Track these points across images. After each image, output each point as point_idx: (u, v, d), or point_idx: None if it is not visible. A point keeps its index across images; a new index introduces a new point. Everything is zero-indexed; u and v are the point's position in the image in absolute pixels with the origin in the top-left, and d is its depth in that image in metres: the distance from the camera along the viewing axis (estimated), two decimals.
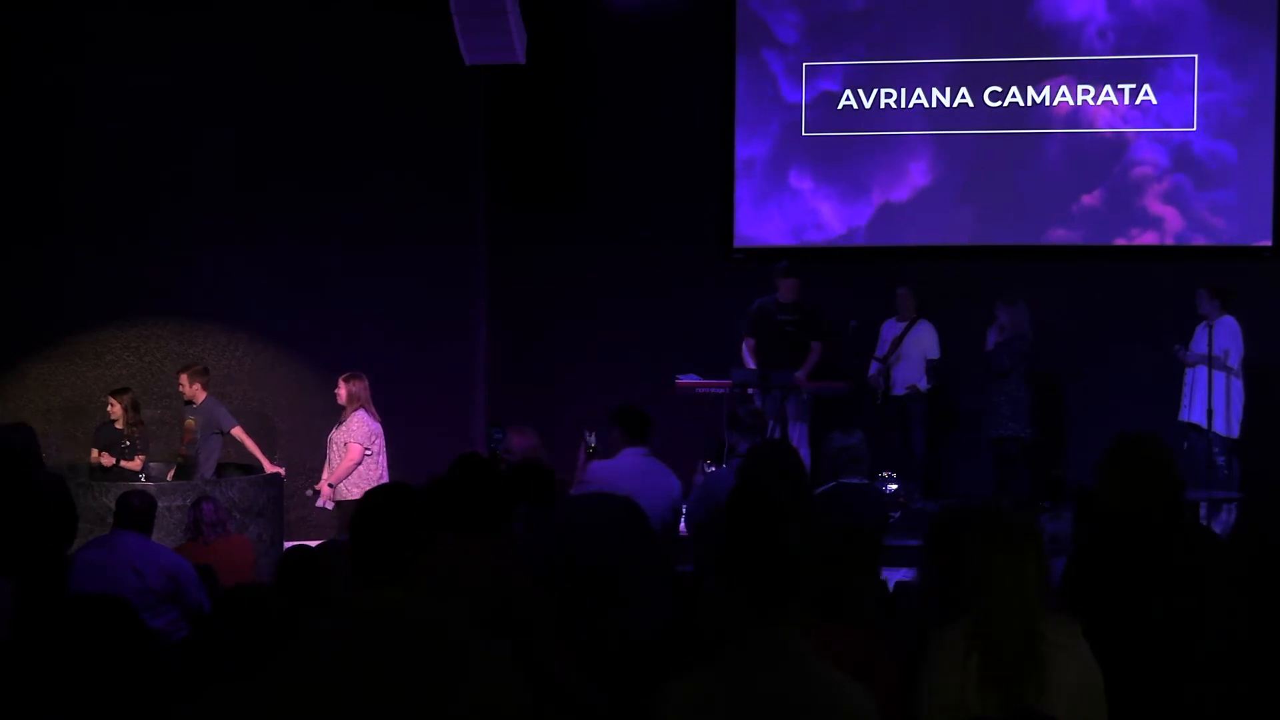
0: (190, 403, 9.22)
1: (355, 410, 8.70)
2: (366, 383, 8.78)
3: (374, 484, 8.55)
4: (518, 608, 3.65)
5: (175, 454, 9.34)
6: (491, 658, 2.81)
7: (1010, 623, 2.98)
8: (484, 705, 2.71)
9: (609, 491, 5.12)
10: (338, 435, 8.73)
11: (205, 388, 9.24)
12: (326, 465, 8.83)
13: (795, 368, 9.66)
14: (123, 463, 9.03)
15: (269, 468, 9.19)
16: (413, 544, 2.92)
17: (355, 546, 2.94)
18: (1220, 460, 9.21)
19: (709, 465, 8.50)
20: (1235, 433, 9.31)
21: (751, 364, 9.73)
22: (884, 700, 3.10)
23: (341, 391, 8.75)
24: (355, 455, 8.60)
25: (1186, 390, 9.48)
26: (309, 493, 9.01)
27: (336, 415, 8.88)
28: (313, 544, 5.23)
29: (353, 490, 8.59)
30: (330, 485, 8.63)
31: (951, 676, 2.99)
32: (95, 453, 9.22)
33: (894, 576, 5.85)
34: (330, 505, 8.68)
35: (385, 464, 8.79)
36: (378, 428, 8.75)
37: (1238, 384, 9.33)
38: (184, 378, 9.22)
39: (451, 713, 2.68)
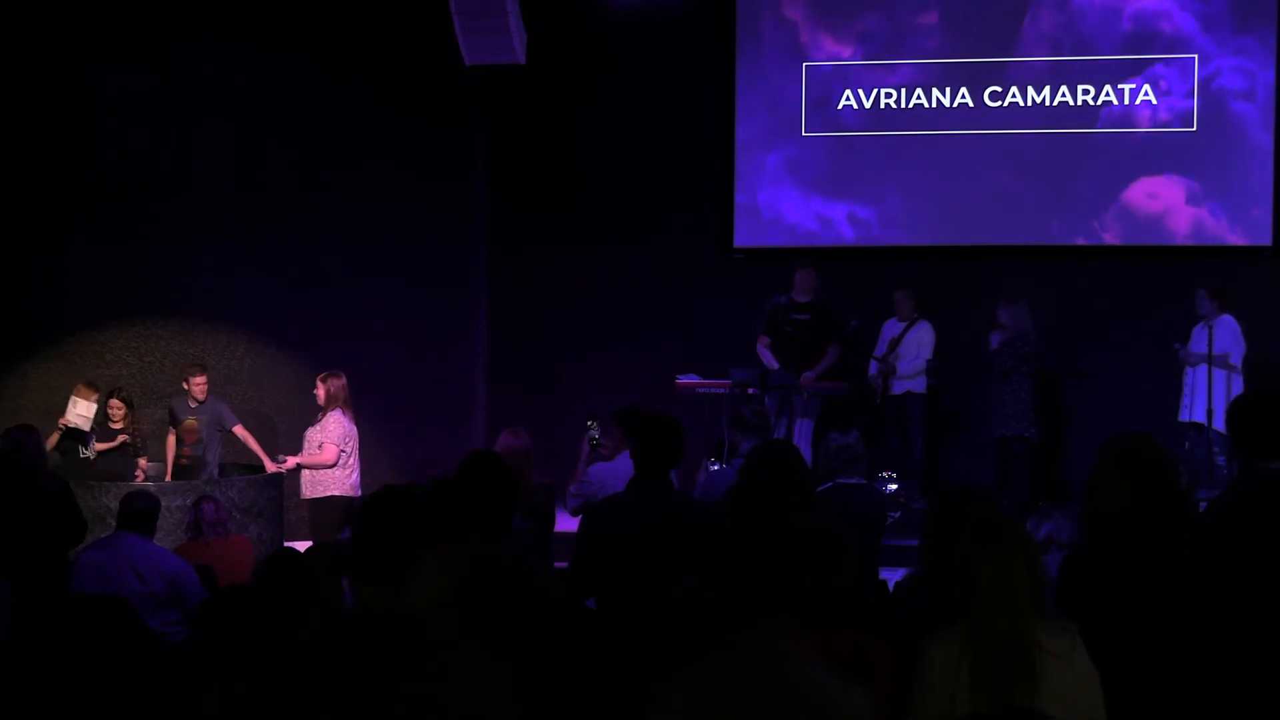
0: (194, 402, 9.25)
1: (332, 410, 8.63)
2: (345, 381, 8.70)
3: (346, 486, 8.57)
4: (543, 614, 3.59)
5: (180, 454, 9.35)
6: (492, 671, 2.81)
7: (1000, 629, 2.98)
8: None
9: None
10: (312, 434, 8.66)
11: (208, 385, 9.33)
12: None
13: (804, 368, 9.63)
14: (135, 474, 9.04)
15: (270, 466, 9.19)
16: (414, 547, 2.90)
17: (358, 549, 2.92)
18: (1220, 460, 9.20)
19: (713, 463, 8.49)
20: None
21: (773, 362, 9.71)
22: (882, 701, 3.10)
23: (320, 391, 8.68)
24: (330, 457, 8.52)
25: (1187, 391, 9.48)
26: (280, 458, 8.95)
27: None
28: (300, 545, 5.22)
29: (320, 490, 8.56)
30: (300, 465, 8.62)
31: (945, 681, 3.00)
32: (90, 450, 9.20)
33: (894, 577, 5.85)
34: (289, 464, 8.73)
35: (358, 465, 8.73)
36: (353, 430, 8.67)
37: (1239, 383, 9.32)
38: (205, 378, 9.28)
39: None
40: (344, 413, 8.64)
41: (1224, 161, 10.34)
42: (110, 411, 9.25)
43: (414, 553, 2.90)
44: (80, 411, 9.07)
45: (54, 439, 9.01)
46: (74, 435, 9.09)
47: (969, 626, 3.02)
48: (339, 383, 8.67)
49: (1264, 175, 10.27)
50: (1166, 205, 10.44)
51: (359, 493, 8.77)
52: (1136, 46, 10.43)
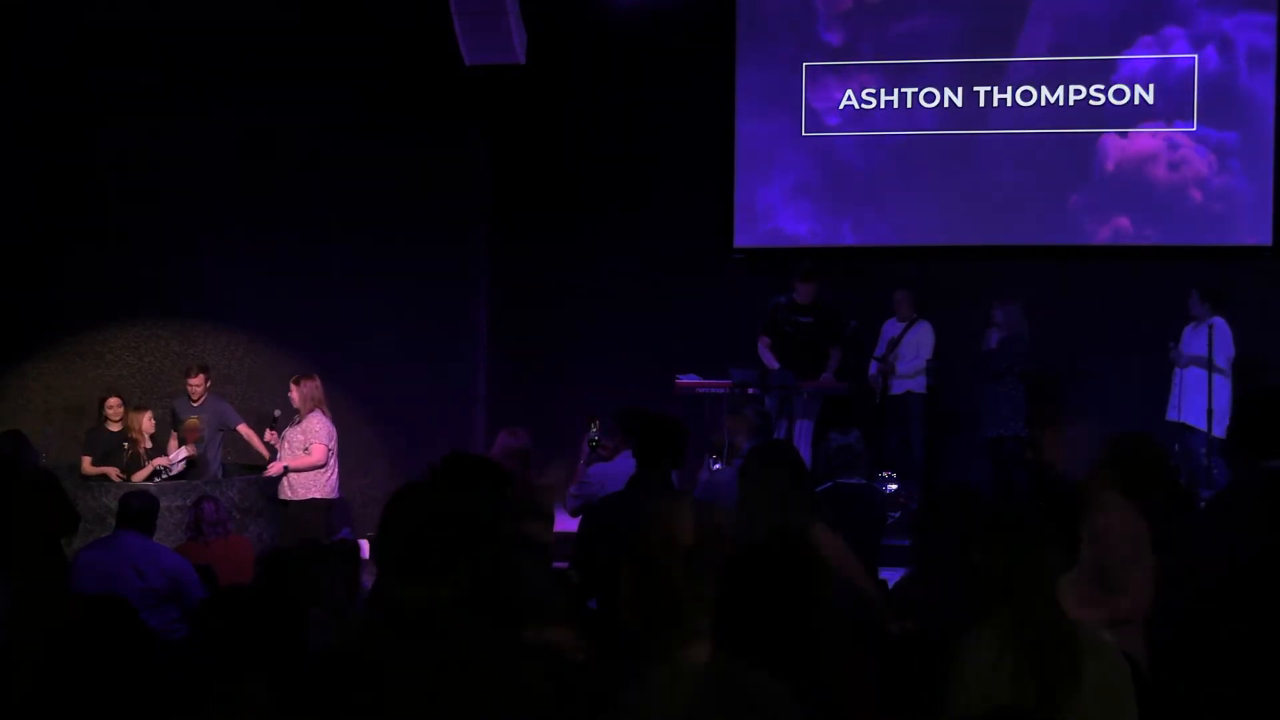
0: (194, 401, 9.25)
1: (311, 410, 8.58)
2: (319, 382, 8.66)
3: (326, 488, 8.53)
4: (546, 616, 3.59)
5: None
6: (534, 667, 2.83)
7: (1043, 623, 2.98)
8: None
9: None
10: (294, 435, 8.59)
11: (205, 385, 9.33)
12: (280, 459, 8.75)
13: (805, 370, 9.62)
14: (135, 475, 8.98)
15: (272, 466, 9.18)
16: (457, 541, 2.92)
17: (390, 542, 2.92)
18: (1212, 460, 9.21)
19: (715, 462, 8.48)
20: (1220, 432, 9.31)
21: (774, 362, 9.70)
22: (858, 696, 3.09)
23: (294, 394, 8.60)
24: (319, 457, 8.48)
25: (1174, 391, 9.49)
26: (271, 442, 8.82)
27: (339, 416, 8.86)
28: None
29: (301, 492, 8.51)
30: (286, 468, 8.51)
31: (983, 677, 2.99)
32: (88, 462, 9.13)
33: (894, 577, 5.84)
34: (275, 470, 8.58)
35: (337, 466, 8.68)
36: (334, 429, 8.65)
37: (1226, 385, 9.34)
38: (202, 378, 9.25)
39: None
40: (323, 412, 8.62)
41: (1223, 161, 10.33)
42: (108, 411, 9.24)
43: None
44: (178, 457, 8.97)
45: (144, 473, 8.95)
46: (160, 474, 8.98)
47: (1009, 624, 3.00)
48: (313, 384, 8.62)
49: (1264, 175, 10.27)
50: (1166, 205, 10.43)
51: (338, 494, 8.76)
52: (1137, 46, 10.43)
